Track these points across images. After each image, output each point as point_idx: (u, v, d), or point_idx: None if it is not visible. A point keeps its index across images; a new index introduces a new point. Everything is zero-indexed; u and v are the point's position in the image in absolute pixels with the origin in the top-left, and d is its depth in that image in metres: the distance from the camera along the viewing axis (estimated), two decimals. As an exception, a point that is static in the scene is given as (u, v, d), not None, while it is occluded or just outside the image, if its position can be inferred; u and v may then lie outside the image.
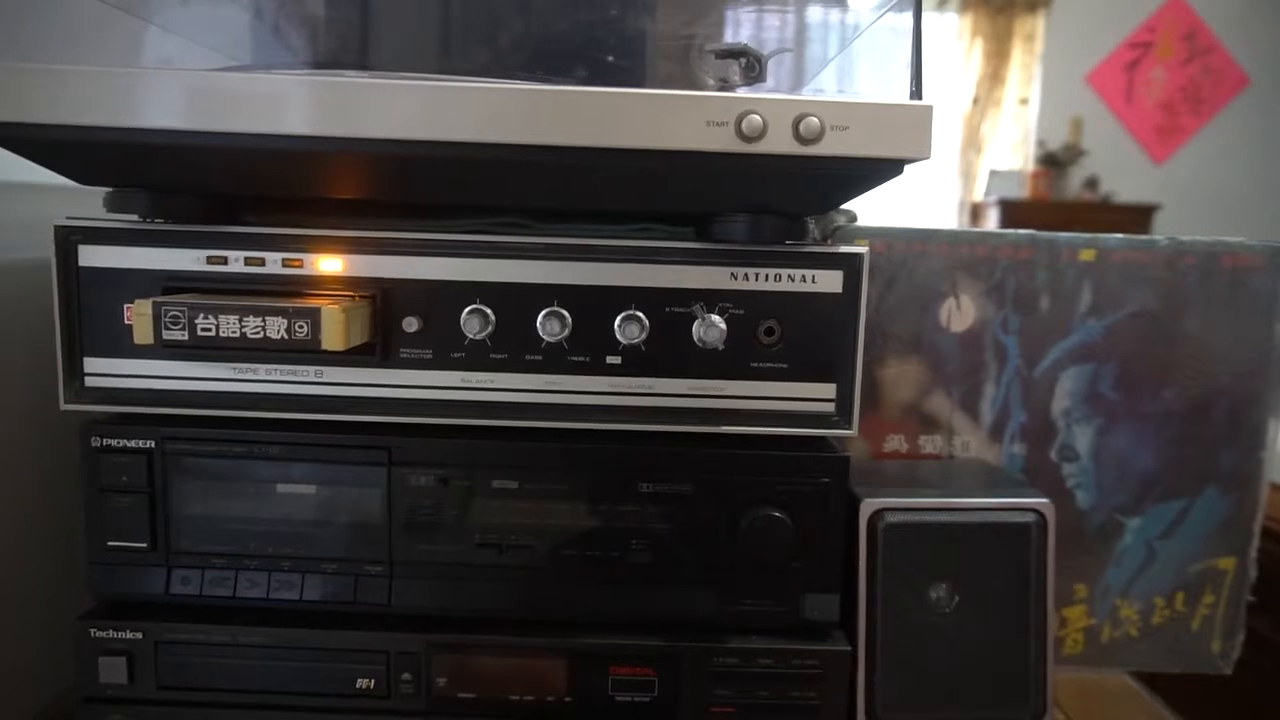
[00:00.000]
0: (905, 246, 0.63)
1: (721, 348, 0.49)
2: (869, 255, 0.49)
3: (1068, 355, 0.64)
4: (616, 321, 0.48)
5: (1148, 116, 4.20)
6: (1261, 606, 0.67)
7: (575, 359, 0.49)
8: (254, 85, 0.40)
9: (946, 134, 4.22)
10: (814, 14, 0.63)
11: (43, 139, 0.41)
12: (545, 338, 0.48)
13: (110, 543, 0.50)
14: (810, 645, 0.51)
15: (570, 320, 0.48)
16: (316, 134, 0.40)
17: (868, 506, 0.53)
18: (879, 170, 0.42)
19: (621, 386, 0.50)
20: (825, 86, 0.61)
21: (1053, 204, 4.01)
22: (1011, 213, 3.84)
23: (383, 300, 0.49)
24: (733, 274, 0.49)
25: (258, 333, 0.44)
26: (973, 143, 4.24)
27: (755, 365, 0.50)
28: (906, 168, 0.42)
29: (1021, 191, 4.03)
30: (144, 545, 0.50)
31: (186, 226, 0.49)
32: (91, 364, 0.49)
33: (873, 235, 0.62)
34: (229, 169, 0.46)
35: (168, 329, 0.44)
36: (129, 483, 0.50)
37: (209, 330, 0.44)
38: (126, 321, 0.48)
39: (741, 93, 0.46)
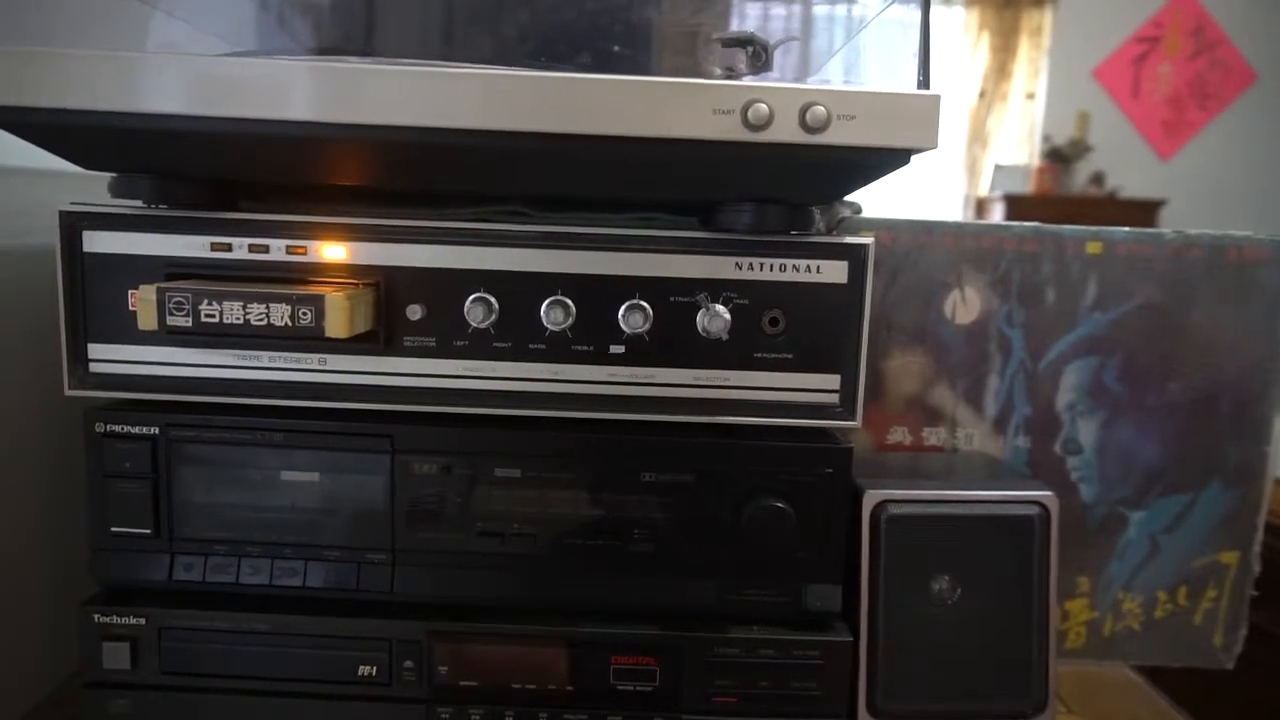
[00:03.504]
0: (910, 238, 0.63)
1: (725, 338, 0.49)
2: (874, 246, 0.49)
3: (1072, 348, 0.64)
4: (620, 311, 0.48)
5: (1154, 111, 4.17)
6: (1264, 601, 0.67)
7: (578, 348, 0.49)
8: (258, 71, 0.40)
9: (952, 128, 4.20)
10: (820, 5, 0.63)
11: (47, 123, 0.40)
12: (549, 326, 0.48)
13: (114, 529, 0.50)
14: (812, 636, 0.51)
15: (574, 309, 0.48)
16: (320, 120, 0.39)
17: (871, 498, 0.53)
18: (885, 160, 0.41)
19: (625, 376, 0.50)
20: (832, 78, 0.61)
21: (1058, 199, 3.99)
22: (1017, 208, 3.82)
23: (386, 288, 0.49)
24: (737, 264, 0.49)
25: (261, 319, 0.44)
26: (978, 137, 4.23)
27: (759, 356, 0.50)
28: (913, 158, 0.41)
29: (1027, 186, 4.01)
30: (147, 531, 0.50)
31: (190, 212, 0.49)
32: (96, 350, 0.49)
33: (877, 226, 0.62)
34: (233, 155, 0.46)
35: (171, 315, 0.44)
36: (132, 469, 0.50)
37: (213, 316, 0.44)
38: (131, 307, 0.48)
39: (748, 81, 0.46)
